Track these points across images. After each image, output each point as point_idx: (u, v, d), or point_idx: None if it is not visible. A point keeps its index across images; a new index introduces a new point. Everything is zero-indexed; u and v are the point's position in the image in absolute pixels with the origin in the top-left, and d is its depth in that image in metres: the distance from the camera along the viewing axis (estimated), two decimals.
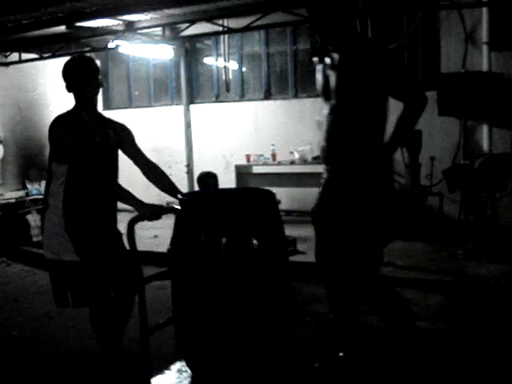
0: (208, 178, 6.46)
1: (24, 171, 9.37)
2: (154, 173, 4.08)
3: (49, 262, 3.60)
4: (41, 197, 9.05)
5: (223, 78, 9.91)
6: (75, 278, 3.49)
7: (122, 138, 3.85)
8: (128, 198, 3.54)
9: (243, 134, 9.73)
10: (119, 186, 3.61)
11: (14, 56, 9.29)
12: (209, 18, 7.95)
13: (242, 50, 9.88)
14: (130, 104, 11.09)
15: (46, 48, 9.09)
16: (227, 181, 9.82)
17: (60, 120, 3.52)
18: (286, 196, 8.27)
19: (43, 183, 9.54)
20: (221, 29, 8.33)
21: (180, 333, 3.50)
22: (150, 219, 3.57)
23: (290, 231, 5.14)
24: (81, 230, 3.50)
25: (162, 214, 3.65)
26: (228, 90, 9.79)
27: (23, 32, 8.12)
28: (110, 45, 8.53)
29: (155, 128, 10.58)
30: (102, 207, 3.67)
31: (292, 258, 4.55)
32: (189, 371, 3.70)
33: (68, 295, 3.55)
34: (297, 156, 8.68)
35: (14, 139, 9.24)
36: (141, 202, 3.55)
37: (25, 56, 9.28)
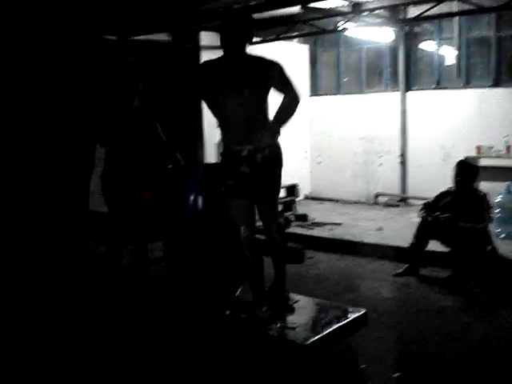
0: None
1: None
2: None
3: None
4: None
5: (445, 63, 9.27)
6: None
7: None
8: None
9: (466, 123, 9.03)
10: None
11: None
12: None
13: (468, 33, 9.15)
14: (338, 90, 10.75)
15: (270, 31, 8.95)
16: (445, 173, 9.21)
17: None
18: None
19: None
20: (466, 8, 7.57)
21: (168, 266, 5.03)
22: None
23: None
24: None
25: None
26: (452, 77, 9.13)
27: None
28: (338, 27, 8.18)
29: (366, 116, 10.16)
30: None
31: None
32: None
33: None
34: None
35: None
36: None
37: None
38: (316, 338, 3.78)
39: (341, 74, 10.73)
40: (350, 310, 4.29)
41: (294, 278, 6.05)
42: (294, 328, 3.94)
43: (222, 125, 4.24)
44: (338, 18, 8.30)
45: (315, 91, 10.94)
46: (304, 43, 10.80)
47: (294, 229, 7.90)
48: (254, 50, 4.33)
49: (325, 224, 8.09)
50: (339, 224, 8.09)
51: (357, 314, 4.19)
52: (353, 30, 8.43)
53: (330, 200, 10.41)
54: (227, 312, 4.31)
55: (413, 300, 5.39)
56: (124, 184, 4.95)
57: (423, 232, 6.12)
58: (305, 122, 10.76)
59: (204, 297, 4.59)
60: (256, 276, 4.31)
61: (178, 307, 4.71)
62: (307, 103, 10.81)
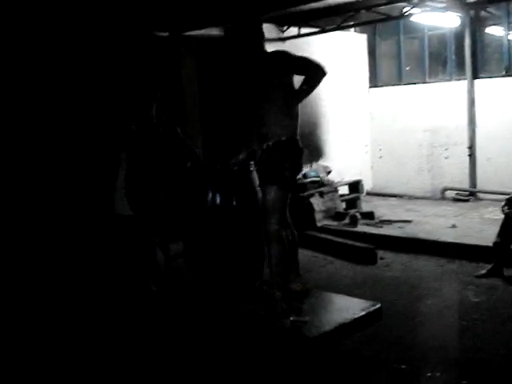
0: None
1: None
2: None
3: None
4: (318, 179, 8.63)
5: None
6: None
7: None
8: None
9: None
10: None
11: (292, 30, 8.89)
12: None
13: None
14: (399, 80, 10.27)
15: (329, 20, 8.57)
16: None
17: None
18: None
19: (314, 165, 9.10)
20: None
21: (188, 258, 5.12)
22: None
23: None
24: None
25: None
26: None
27: (305, 3, 7.62)
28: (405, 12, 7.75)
29: (430, 106, 9.67)
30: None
31: None
32: None
33: None
34: None
35: None
36: None
37: (304, 30, 8.85)
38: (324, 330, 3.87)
39: (402, 63, 10.25)
40: (364, 304, 4.24)
41: (368, 282, 5.72)
42: (305, 322, 4.00)
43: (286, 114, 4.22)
44: (402, 4, 7.87)
45: (375, 82, 10.50)
46: (362, 33, 10.36)
47: (362, 227, 7.51)
48: (310, 41, 4.12)
49: (394, 221, 7.68)
50: (409, 221, 7.67)
51: (371, 309, 4.14)
52: (418, 15, 7.96)
53: (394, 196, 9.96)
54: (248, 307, 4.36)
55: (504, 304, 4.95)
56: (147, 185, 4.99)
57: (508, 229, 5.67)
58: (364, 114, 10.35)
59: (223, 290, 4.65)
60: (285, 266, 4.24)
61: (199, 302, 4.66)
62: (366, 95, 10.39)
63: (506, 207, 5.77)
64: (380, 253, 6.57)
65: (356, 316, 4.00)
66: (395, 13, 7.94)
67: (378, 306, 4.17)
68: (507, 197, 5.91)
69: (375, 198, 9.84)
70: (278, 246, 4.21)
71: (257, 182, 4.63)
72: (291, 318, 4.00)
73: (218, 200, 4.79)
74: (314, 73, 4.05)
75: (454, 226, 7.28)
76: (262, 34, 4.31)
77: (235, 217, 4.73)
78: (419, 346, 4.13)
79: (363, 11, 8.07)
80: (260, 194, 4.45)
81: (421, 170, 9.88)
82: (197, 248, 5.00)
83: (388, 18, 7.85)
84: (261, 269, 4.74)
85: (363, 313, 4.04)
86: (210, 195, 4.80)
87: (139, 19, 7.67)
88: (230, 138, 5.29)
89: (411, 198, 9.74)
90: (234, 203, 4.77)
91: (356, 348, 4.15)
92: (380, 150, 10.39)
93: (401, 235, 7.02)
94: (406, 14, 7.74)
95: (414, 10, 7.79)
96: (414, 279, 5.78)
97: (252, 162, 4.76)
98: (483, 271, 5.75)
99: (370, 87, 10.43)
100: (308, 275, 6.05)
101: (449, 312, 4.78)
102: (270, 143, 4.13)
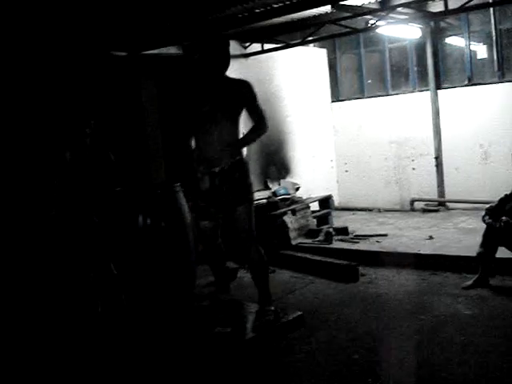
0: None
1: (265, 170, 8.79)
2: None
3: None
4: (289, 196, 8.44)
5: (477, 58, 8.81)
6: None
7: None
8: None
9: (504, 120, 8.51)
10: None
11: (255, 46, 8.74)
12: None
13: (498, 26, 8.66)
14: (362, 94, 10.24)
15: (291, 36, 8.47)
16: (486, 173, 8.73)
17: None
18: None
19: (282, 182, 8.93)
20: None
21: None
22: None
23: None
24: None
25: None
26: (485, 71, 8.67)
27: (272, 18, 7.50)
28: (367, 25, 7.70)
29: (394, 118, 9.66)
30: None
31: None
32: None
33: None
34: None
35: None
36: None
37: (267, 46, 8.70)
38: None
39: (364, 76, 10.22)
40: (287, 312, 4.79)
41: (355, 301, 5.54)
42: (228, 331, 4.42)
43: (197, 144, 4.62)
44: (366, 17, 7.83)
45: (337, 96, 10.44)
46: (321, 47, 10.30)
47: (338, 244, 7.34)
48: (273, 56, 4.09)
49: (369, 236, 7.55)
50: (384, 235, 7.55)
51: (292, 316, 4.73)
52: (382, 28, 7.92)
53: (362, 210, 9.87)
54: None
55: (497, 315, 4.83)
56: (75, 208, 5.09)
57: (491, 239, 5.58)
58: (328, 129, 10.26)
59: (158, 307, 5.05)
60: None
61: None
62: (329, 110, 10.32)
63: (487, 217, 5.68)
64: (360, 269, 6.41)
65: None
66: (360, 26, 7.87)
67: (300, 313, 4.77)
68: (487, 206, 5.83)
69: (344, 213, 9.72)
70: (263, 263, 4.63)
71: (183, 202, 5.26)
72: (216, 330, 4.45)
73: (147, 222, 5.19)
74: (263, 125, 4.47)
75: (431, 238, 7.19)
76: (227, 53, 4.47)
77: (164, 237, 5.20)
78: (426, 367, 3.95)
79: (327, 25, 8.00)
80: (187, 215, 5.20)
81: (388, 183, 9.83)
82: (130, 268, 5.21)
83: (353, 30, 7.76)
84: (192, 284, 5.41)
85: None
86: (140, 218, 5.18)
87: (95, 38, 7.40)
88: (188, 159, 5.25)
89: (380, 210, 9.67)
90: (163, 224, 5.23)
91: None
92: (346, 164, 10.31)
93: (380, 250, 6.88)
94: (372, 26, 7.68)
95: (379, 23, 7.74)
96: (401, 294, 5.61)
97: (178, 184, 5.32)
98: (469, 282, 5.64)
99: (333, 101, 10.36)
100: (291, 297, 5.86)
101: (444, 327, 4.63)
102: (225, 166, 4.40)
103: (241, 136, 4.57)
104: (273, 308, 4.64)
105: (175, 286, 5.23)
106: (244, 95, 4.41)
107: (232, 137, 4.43)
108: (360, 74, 10.27)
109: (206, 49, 4.41)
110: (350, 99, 10.35)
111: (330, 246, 7.26)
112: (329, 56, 10.40)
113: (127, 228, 5.17)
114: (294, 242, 7.49)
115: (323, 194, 9.14)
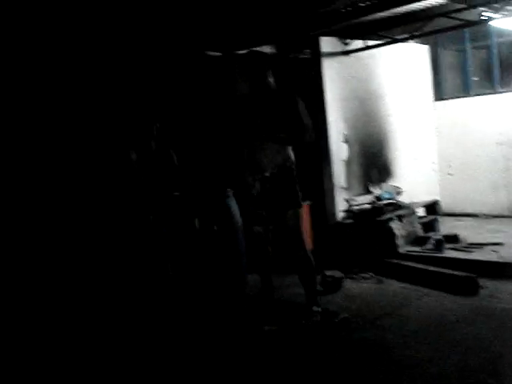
0: None
1: (366, 173, 8.35)
2: None
3: None
4: (394, 201, 7.99)
5: None
6: None
7: None
8: None
9: None
10: None
11: (355, 43, 8.31)
12: None
13: None
14: (467, 92, 9.63)
15: (393, 31, 8.00)
16: None
17: None
18: None
19: (384, 186, 8.47)
20: None
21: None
22: None
23: None
24: None
25: None
26: None
27: (379, 11, 7.09)
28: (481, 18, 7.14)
29: (503, 118, 8.99)
30: None
31: None
32: None
33: None
34: None
35: (356, 137, 8.25)
36: None
37: (369, 42, 8.26)
38: None
39: (469, 73, 9.61)
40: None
41: (479, 318, 5.05)
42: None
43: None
44: (479, 10, 7.27)
45: (440, 95, 9.86)
46: (422, 43, 9.76)
47: (449, 252, 6.83)
48: (374, 54, 3.65)
49: (483, 244, 6.98)
50: (500, 244, 6.96)
51: None
52: (497, 20, 7.33)
53: (468, 215, 9.26)
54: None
55: None
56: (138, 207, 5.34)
57: None
58: (430, 130, 9.71)
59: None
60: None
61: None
62: (431, 109, 9.77)
63: None
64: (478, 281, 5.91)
65: None
66: (474, 18, 7.32)
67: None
68: None
69: (448, 219, 9.12)
70: (311, 265, 4.83)
71: (234, 206, 5.63)
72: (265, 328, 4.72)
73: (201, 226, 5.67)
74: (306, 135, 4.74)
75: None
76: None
77: (216, 240, 5.68)
78: None
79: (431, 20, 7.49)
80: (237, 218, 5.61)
81: (496, 187, 9.17)
82: (190, 267, 5.59)
83: (468, 23, 7.22)
84: (242, 285, 5.73)
85: None
86: (195, 221, 5.65)
87: (190, 38, 7.28)
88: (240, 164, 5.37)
89: (488, 216, 9.04)
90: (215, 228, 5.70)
91: None
92: (449, 167, 9.72)
93: (500, 260, 6.33)
94: (488, 19, 7.12)
95: (493, 16, 7.17)
96: None
97: (229, 189, 5.65)
98: None
99: (435, 100, 9.81)
100: (406, 310, 5.43)
101: None
102: (276, 171, 4.64)
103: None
104: (320, 309, 4.83)
105: (226, 286, 5.65)
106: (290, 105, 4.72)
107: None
108: (465, 70, 9.66)
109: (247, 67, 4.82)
110: (453, 98, 9.75)
111: (442, 254, 6.76)
112: (431, 52, 9.84)
113: (183, 231, 5.54)
114: (401, 250, 7.05)
115: (425, 198, 8.64)
